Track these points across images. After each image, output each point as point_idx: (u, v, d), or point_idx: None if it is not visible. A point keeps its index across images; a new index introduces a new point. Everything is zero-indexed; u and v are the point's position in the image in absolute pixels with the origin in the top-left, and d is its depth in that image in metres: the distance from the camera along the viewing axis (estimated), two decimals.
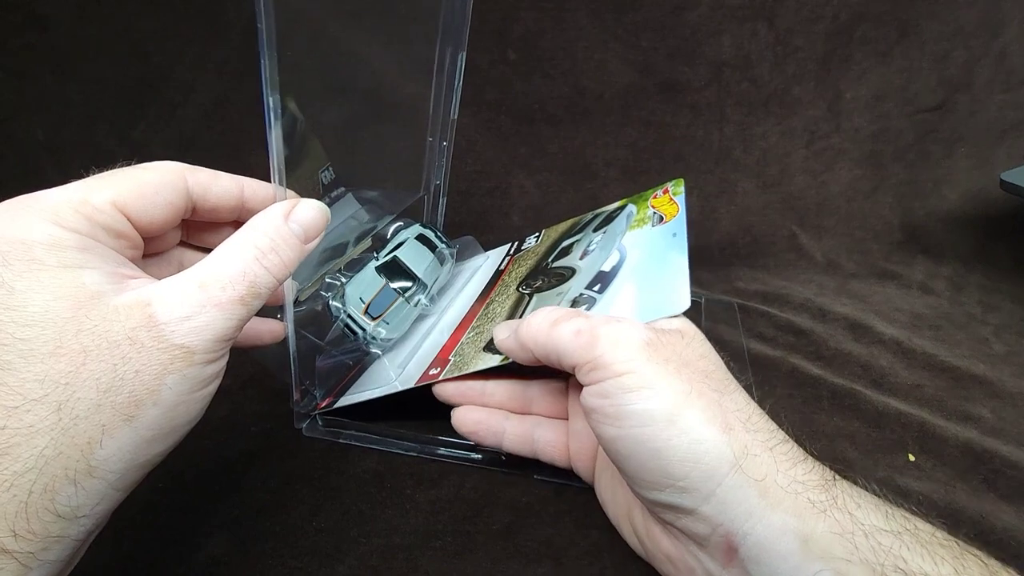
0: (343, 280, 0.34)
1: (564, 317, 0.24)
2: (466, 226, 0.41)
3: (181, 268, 0.24)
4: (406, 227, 0.39)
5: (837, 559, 0.19)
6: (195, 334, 0.20)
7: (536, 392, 0.30)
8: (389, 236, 0.38)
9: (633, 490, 0.23)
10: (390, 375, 0.34)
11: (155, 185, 0.22)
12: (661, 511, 0.22)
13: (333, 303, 0.33)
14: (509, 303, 0.35)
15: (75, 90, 0.53)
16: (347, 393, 0.34)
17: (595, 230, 0.37)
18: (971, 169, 0.52)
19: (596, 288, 0.31)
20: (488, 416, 0.29)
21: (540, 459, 0.29)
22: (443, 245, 0.40)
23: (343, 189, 0.34)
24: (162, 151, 0.54)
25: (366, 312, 0.34)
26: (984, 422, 0.33)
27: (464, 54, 0.35)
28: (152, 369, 0.19)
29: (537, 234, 0.41)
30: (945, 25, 0.51)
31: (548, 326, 0.24)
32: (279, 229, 0.23)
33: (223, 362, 0.21)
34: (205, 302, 0.20)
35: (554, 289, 0.33)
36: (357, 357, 0.35)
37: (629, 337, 0.23)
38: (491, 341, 0.30)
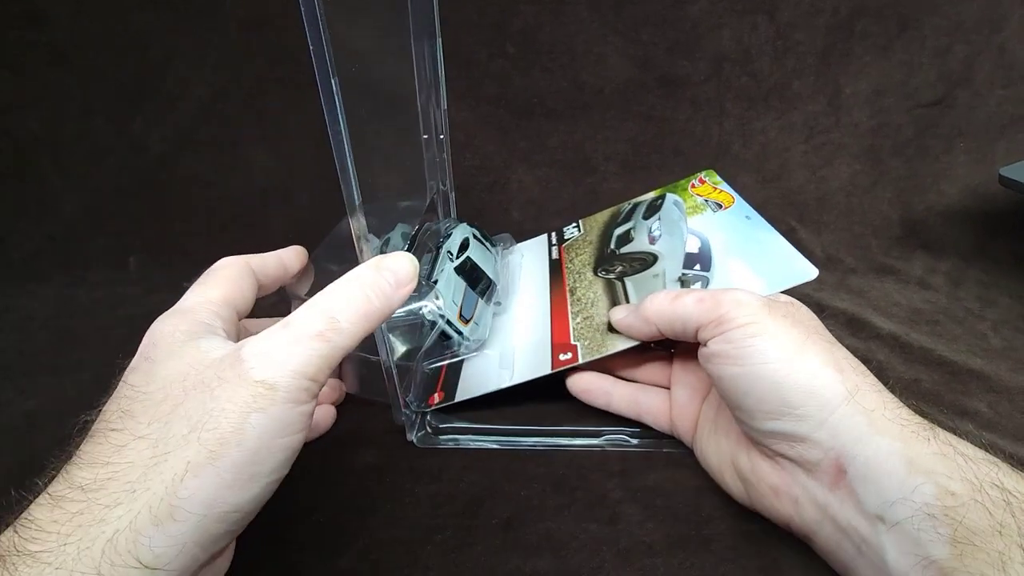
0: (424, 285, 0.33)
1: (683, 293, 0.28)
2: (466, 221, 0.41)
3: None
4: (453, 226, 0.39)
5: (939, 474, 0.20)
6: (274, 368, 0.21)
7: (643, 363, 0.34)
8: (443, 236, 0.37)
9: (747, 425, 0.25)
10: (501, 374, 0.34)
11: (238, 278, 0.27)
12: (774, 441, 0.24)
13: (429, 309, 0.33)
14: (599, 288, 0.36)
15: (72, 84, 0.52)
16: (457, 395, 0.34)
17: (645, 218, 0.39)
18: (970, 164, 0.52)
19: (697, 268, 0.34)
20: (598, 379, 0.33)
21: (643, 421, 0.32)
22: (489, 243, 0.40)
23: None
24: (160, 145, 0.54)
25: (460, 315, 0.34)
26: (981, 416, 0.33)
27: (439, 41, 0.35)
28: (237, 406, 0.20)
29: (575, 224, 0.43)
30: (945, 20, 0.51)
31: (670, 301, 0.28)
32: (367, 275, 0.24)
33: (309, 407, 0.22)
34: (284, 338, 0.22)
35: (646, 272, 0.35)
36: (444, 360, 0.36)
37: (749, 298, 0.26)
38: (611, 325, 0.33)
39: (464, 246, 0.38)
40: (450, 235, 0.38)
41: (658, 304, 0.29)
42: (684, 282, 0.33)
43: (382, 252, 0.29)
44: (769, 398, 0.24)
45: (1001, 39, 0.50)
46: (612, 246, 0.39)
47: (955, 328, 0.41)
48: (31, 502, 0.19)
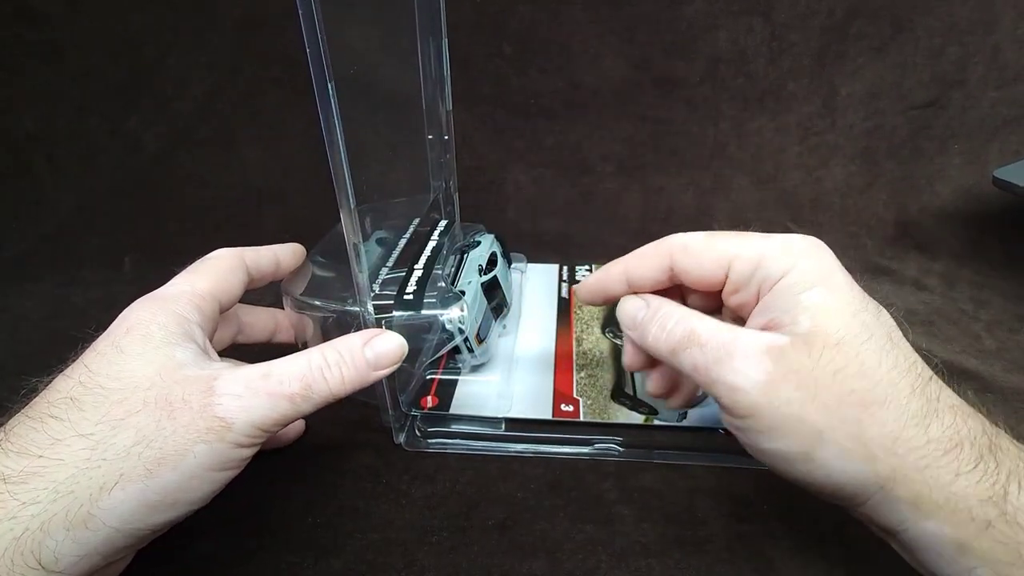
0: (452, 292, 0.32)
1: (680, 346, 0.23)
2: (462, 221, 0.41)
3: (240, 323, 0.31)
4: (480, 235, 0.38)
5: (999, 562, 0.18)
6: (238, 412, 0.21)
7: None
8: (470, 243, 0.37)
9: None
10: (499, 402, 0.34)
11: (228, 271, 0.27)
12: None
13: (450, 318, 0.31)
14: (606, 348, 0.37)
15: (67, 82, 0.52)
16: (452, 407, 0.34)
17: None
18: (964, 165, 0.52)
19: None
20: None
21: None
22: (507, 261, 0.40)
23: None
24: (155, 145, 0.53)
25: (477, 334, 0.34)
26: None
27: (446, 41, 0.34)
28: (189, 433, 0.20)
29: (587, 267, 0.44)
30: (939, 21, 0.51)
31: (668, 352, 0.23)
32: (352, 351, 0.24)
33: (250, 453, 0.22)
34: (259, 389, 0.22)
35: None
36: (446, 375, 0.35)
37: (747, 379, 0.20)
38: (615, 390, 0.34)
39: (492, 261, 0.37)
40: (478, 244, 0.37)
41: (660, 345, 0.24)
42: None
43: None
44: (798, 482, 0.21)
45: (994, 41, 0.51)
46: None
47: (949, 328, 0.41)
48: None
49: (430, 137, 0.37)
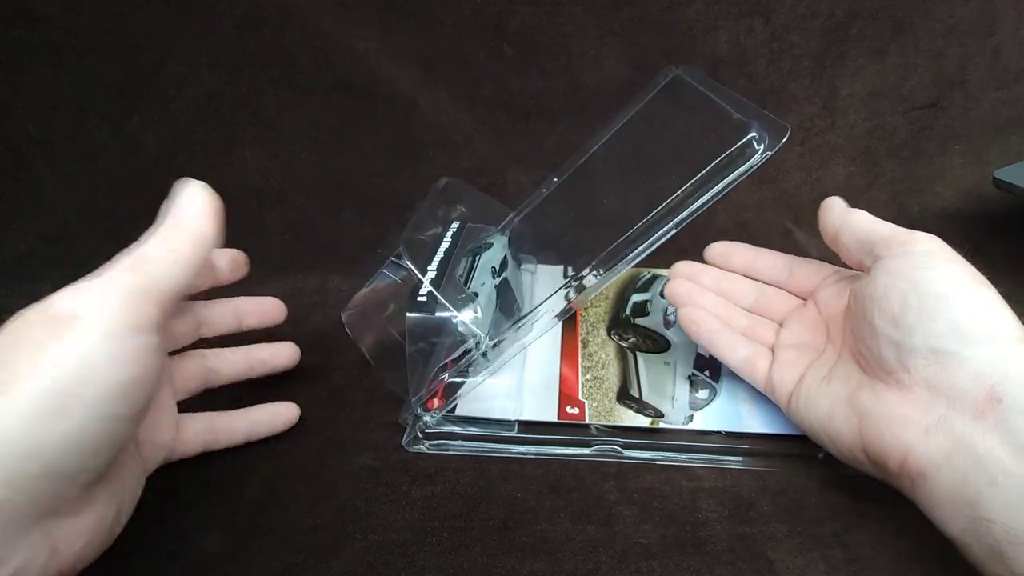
0: (465, 293, 0.32)
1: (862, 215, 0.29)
2: (506, 235, 0.41)
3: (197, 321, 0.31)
4: (492, 236, 0.38)
5: None
6: (77, 297, 0.21)
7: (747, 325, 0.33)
8: (483, 245, 0.36)
9: (899, 345, 0.24)
10: (507, 405, 0.34)
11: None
12: (924, 363, 0.24)
13: (462, 321, 0.31)
14: (611, 351, 0.37)
15: (66, 83, 0.52)
16: (458, 408, 0.34)
17: (662, 295, 0.39)
18: (965, 166, 0.52)
19: (707, 373, 0.35)
20: (709, 314, 0.33)
21: (739, 372, 0.32)
22: (518, 263, 0.39)
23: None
24: (155, 145, 0.53)
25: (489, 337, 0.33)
26: None
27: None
28: (34, 341, 0.19)
29: (591, 268, 0.43)
30: (939, 23, 0.51)
31: (853, 214, 0.30)
32: (167, 215, 0.24)
33: (137, 342, 0.21)
34: (96, 279, 0.21)
35: (658, 356, 0.37)
36: (456, 378, 0.35)
37: (931, 236, 0.27)
38: (621, 392, 0.34)
39: (504, 263, 0.37)
40: (490, 246, 0.37)
41: (837, 214, 0.30)
42: (694, 383, 0.35)
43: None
44: (938, 316, 0.24)
45: (995, 42, 0.51)
46: (627, 312, 0.40)
47: None
48: None
49: None
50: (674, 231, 0.29)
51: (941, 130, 0.53)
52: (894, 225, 0.28)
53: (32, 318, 0.20)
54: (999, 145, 0.52)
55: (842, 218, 0.30)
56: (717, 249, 0.35)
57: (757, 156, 0.28)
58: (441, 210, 0.38)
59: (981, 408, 0.22)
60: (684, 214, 0.29)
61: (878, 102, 0.53)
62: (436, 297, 0.31)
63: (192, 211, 0.25)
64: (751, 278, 0.35)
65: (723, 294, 0.34)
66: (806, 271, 0.33)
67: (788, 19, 0.51)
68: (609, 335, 0.38)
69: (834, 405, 0.27)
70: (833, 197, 0.31)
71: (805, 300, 0.33)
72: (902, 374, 0.24)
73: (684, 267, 0.35)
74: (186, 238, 0.24)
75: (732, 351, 0.32)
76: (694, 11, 0.51)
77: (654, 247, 0.30)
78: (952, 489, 0.22)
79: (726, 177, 0.28)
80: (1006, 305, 0.24)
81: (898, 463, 0.24)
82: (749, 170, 0.28)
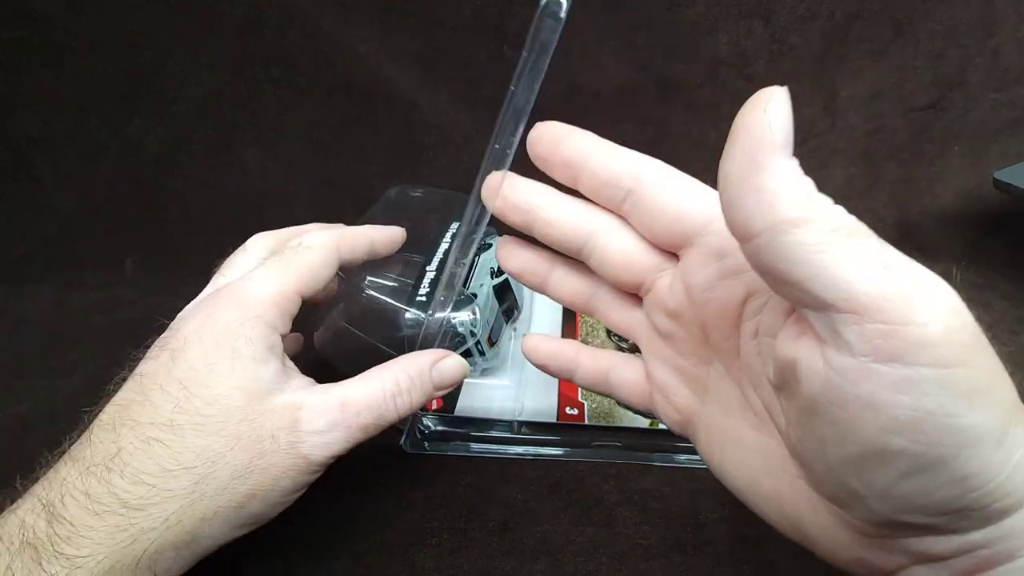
0: (464, 295, 0.32)
1: (857, 231, 0.15)
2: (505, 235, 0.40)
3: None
4: (491, 237, 0.38)
5: None
6: (320, 449, 0.22)
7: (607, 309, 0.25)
8: (479, 248, 0.36)
9: (864, 505, 0.15)
10: (507, 405, 0.34)
11: (321, 267, 0.25)
12: (893, 531, 0.16)
13: (462, 321, 0.31)
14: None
15: (67, 84, 0.52)
16: (457, 408, 0.34)
17: None
18: (965, 167, 0.52)
19: None
20: (562, 347, 0.25)
21: (615, 397, 0.24)
22: None
23: None
24: (155, 146, 0.53)
25: (488, 337, 0.33)
26: None
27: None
28: (277, 469, 0.22)
29: None
30: (939, 24, 0.51)
31: (833, 237, 0.15)
32: (422, 375, 0.25)
33: (317, 476, 0.23)
34: (339, 422, 0.23)
35: None
36: None
37: (958, 306, 0.14)
38: None
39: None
40: (489, 246, 0.37)
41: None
42: None
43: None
44: (941, 490, 0.14)
45: (994, 43, 0.51)
46: None
47: None
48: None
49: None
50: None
51: (941, 131, 0.53)
52: (896, 281, 0.14)
53: (281, 441, 0.22)
54: (999, 146, 0.52)
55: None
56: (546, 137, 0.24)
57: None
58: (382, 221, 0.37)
59: (967, 571, 0.16)
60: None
61: (878, 103, 0.53)
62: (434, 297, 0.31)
63: (439, 385, 0.26)
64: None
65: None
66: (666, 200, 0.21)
67: (788, 20, 0.51)
68: (608, 336, 0.38)
69: (755, 482, 0.21)
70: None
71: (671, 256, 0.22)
72: (862, 528, 0.17)
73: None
74: (418, 403, 0.25)
75: (603, 376, 0.24)
76: (694, 13, 0.51)
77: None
78: None
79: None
80: None
81: None
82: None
